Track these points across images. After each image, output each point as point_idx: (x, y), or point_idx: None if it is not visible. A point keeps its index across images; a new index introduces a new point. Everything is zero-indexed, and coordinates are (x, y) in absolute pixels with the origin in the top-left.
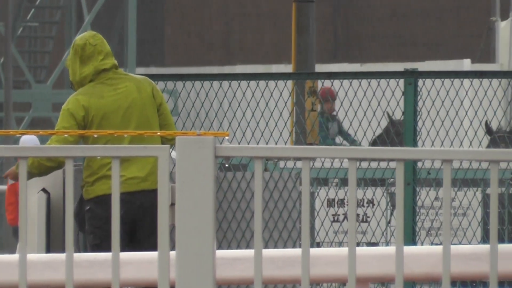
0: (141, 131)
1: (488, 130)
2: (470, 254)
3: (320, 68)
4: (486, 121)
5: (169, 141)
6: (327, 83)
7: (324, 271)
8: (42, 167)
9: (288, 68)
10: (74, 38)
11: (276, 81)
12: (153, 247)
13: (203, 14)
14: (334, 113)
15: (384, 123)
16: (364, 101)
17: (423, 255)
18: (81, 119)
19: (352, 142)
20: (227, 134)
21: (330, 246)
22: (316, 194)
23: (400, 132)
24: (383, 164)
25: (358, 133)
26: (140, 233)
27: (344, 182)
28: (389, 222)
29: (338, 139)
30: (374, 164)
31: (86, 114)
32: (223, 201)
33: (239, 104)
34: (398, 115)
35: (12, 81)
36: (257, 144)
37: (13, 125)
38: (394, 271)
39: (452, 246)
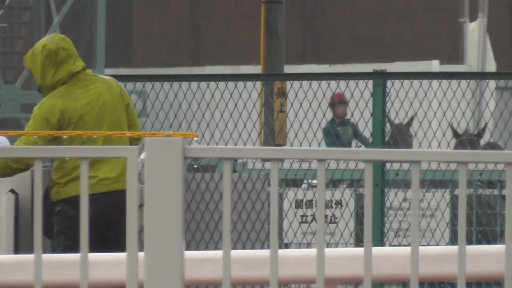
0: (110, 132)
1: (455, 133)
2: (438, 255)
3: (288, 69)
4: (452, 124)
5: (136, 141)
6: (294, 84)
7: (292, 272)
8: (8, 169)
9: (257, 69)
10: (43, 39)
11: (245, 82)
12: (124, 247)
13: (172, 15)
14: (348, 117)
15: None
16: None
17: (391, 256)
18: (55, 122)
19: (369, 145)
20: (196, 135)
21: (298, 247)
22: (284, 195)
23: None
24: (351, 165)
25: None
26: (112, 233)
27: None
28: (358, 223)
29: (355, 143)
30: (342, 166)
31: (62, 117)
32: (191, 202)
33: (208, 105)
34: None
35: None
36: (226, 145)
37: None
38: (363, 272)
39: (420, 247)
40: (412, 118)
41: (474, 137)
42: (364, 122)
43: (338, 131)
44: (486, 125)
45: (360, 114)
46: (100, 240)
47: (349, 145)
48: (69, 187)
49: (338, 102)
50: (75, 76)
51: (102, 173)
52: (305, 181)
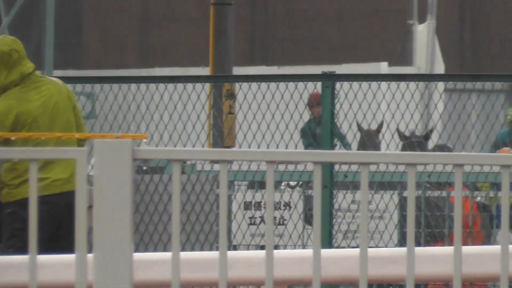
0: (60, 134)
1: (400, 136)
2: (387, 257)
3: (237, 71)
4: (398, 127)
5: (82, 142)
6: (243, 86)
7: (241, 274)
8: None
9: (205, 71)
10: None
11: (193, 83)
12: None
13: (121, 16)
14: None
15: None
16: (282, 104)
17: (340, 258)
18: (9, 124)
19: (346, 145)
20: (145, 136)
21: (247, 249)
22: (233, 197)
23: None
24: (300, 167)
25: (276, 136)
26: (64, 234)
27: (261, 185)
28: (306, 224)
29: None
30: (291, 167)
31: (17, 119)
32: (140, 204)
33: (157, 106)
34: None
35: None
36: (175, 147)
37: None
38: (311, 274)
39: (369, 249)
40: (381, 124)
41: (421, 139)
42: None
43: (316, 132)
44: (433, 127)
45: (309, 116)
46: (52, 241)
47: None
48: (22, 189)
49: (315, 103)
50: (27, 78)
51: (54, 174)
52: (256, 183)
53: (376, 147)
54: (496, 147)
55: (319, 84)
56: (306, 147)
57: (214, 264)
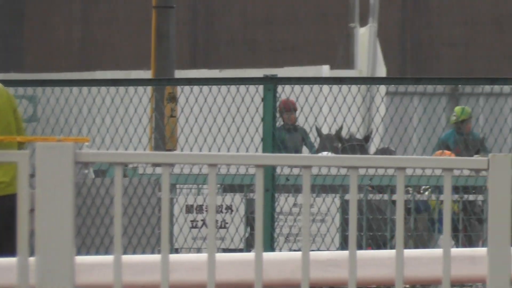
0: (1, 137)
1: (340, 139)
2: (329, 260)
3: (179, 74)
4: (337, 131)
5: (22, 145)
6: (185, 89)
7: (183, 277)
8: None
9: (147, 74)
10: None
11: (135, 87)
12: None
13: (63, 19)
14: (297, 123)
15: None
16: (224, 107)
17: (282, 261)
18: None
19: (314, 152)
20: (87, 139)
21: (189, 252)
22: (175, 200)
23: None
24: (242, 170)
25: (217, 139)
26: (6, 237)
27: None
28: (248, 228)
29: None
30: (233, 170)
31: None
32: (82, 207)
33: (99, 110)
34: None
35: None
36: (117, 150)
37: None
38: (253, 277)
39: (310, 252)
40: (341, 128)
41: (362, 141)
42: (254, 126)
43: (284, 138)
44: (372, 130)
45: (251, 119)
46: None
47: (298, 152)
48: None
49: (284, 109)
50: None
51: None
52: (196, 186)
53: (336, 151)
54: (439, 148)
55: (261, 87)
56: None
57: (156, 267)
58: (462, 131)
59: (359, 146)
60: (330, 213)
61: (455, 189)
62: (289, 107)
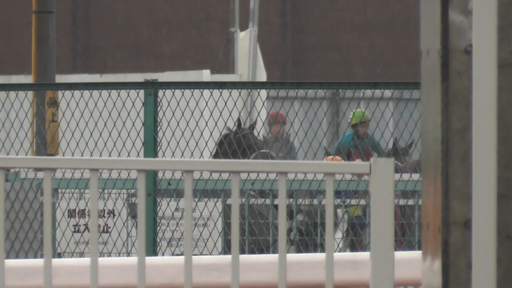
0: None
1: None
2: (211, 265)
3: (60, 78)
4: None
5: None
6: (66, 94)
7: (66, 281)
8: None
9: (28, 79)
10: None
11: (16, 91)
12: None
13: None
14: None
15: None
16: (105, 112)
17: (164, 266)
18: None
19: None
20: None
21: (71, 257)
22: (57, 204)
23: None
24: (123, 175)
25: (99, 144)
26: None
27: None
28: (130, 232)
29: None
30: (115, 175)
31: None
32: None
33: None
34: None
35: None
36: None
37: None
38: (136, 282)
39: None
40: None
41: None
42: (136, 131)
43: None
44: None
45: (132, 123)
46: None
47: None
48: None
49: (271, 121)
50: None
51: None
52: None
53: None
54: (338, 151)
55: (142, 91)
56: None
57: (39, 272)
58: (359, 134)
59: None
60: (212, 218)
61: (337, 194)
62: (277, 120)
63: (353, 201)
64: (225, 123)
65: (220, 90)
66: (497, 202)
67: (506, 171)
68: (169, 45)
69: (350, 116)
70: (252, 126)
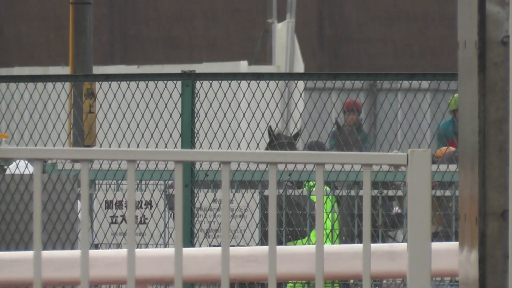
0: None
1: (272, 136)
2: (248, 256)
3: (97, 70)
4: (270, 127)
5: None
6: (103, 85)
7: (103, 272)
8: None
9: (65, 70)
10: None
11: (54, 83)
12: None
13: None
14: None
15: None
16: (142, 103)
17: (202, 257)
18: None
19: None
20: (5, 136)
21: (108, 248)
22: (94, 195)
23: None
24: (161, 166)
25: (136, 135)
26: None
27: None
28: (168, 223)
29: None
30: (152, 166)
31: None
32: (1, 204)
33: (17, 106)
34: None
35: None
36: (36, 146)
37: None
38: (173, 273)
39: (230, 248)
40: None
41: (291, 139)
42: (173, 122)
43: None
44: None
45: (169, 115)
46: None
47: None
48: None
49: (347, 110)
50: None
51: None
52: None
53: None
54: (439, 139)
55: (179, 83)
56: (331, 148)
57: (76, 263)
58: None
59: (288, 143)
60: (249, 209)
61: (374, 185)
62: (352, 108)
63: (390, 192)
64: (267, 124)
65: (258, 81)
66: None
67: None
68: (206, 36)
69: (450, 102)
70: (297, 135)
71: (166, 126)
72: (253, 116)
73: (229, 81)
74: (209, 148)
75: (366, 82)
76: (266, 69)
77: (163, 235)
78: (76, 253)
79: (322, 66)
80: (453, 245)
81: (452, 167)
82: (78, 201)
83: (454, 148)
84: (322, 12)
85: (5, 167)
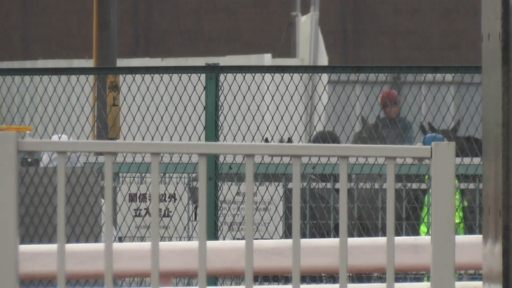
0: None
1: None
2: (272, 249)
3: (121, 63)
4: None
5: None
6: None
7: (127, 265)
8: None
9: (89, 63)
10: None
11: (77, 75)
12: None
13: (2, 9)
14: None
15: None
16: (166, 96)
17: (225, 250)
18: None
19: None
20: (29, 128)
21: (132, 241)
22: (118, 188)
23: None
24: (185, 159)
25: (160, 128)
26: None
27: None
28: (191, 216)
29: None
30: (176, 159)
31: None
32: (25, 196)
33: (41, 98)
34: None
35: None
36: (59, 139)
37: None
38: (197, 266)
39: (254, 241)
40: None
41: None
42: (197, 115)
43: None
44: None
45: (193, 108)
46: None
47: (398, 143)
48: None
49: (389, 102)
50: None
51: None
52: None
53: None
54: None
55: (203, 76)
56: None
57: (100, 256)
58: None
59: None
60: (273, 202)
61: (398, 178)
62: (392, 99)
63: (414, 185)
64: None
65: (282, 74)
66: None
67: None
68: (230, 29)
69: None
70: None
71: (190, 119)
72: (277, 109)
73: (253, 74)
74: (233, 141)
75: (390, 75)
76: (290, 62)
77: (186, 228)
78: (99, 246)
79: (345, 59)
80: (477, 238)
81: (476, 160)
82: (102, 194)
83: None
84: (345, 4)
85: (29, 159)
